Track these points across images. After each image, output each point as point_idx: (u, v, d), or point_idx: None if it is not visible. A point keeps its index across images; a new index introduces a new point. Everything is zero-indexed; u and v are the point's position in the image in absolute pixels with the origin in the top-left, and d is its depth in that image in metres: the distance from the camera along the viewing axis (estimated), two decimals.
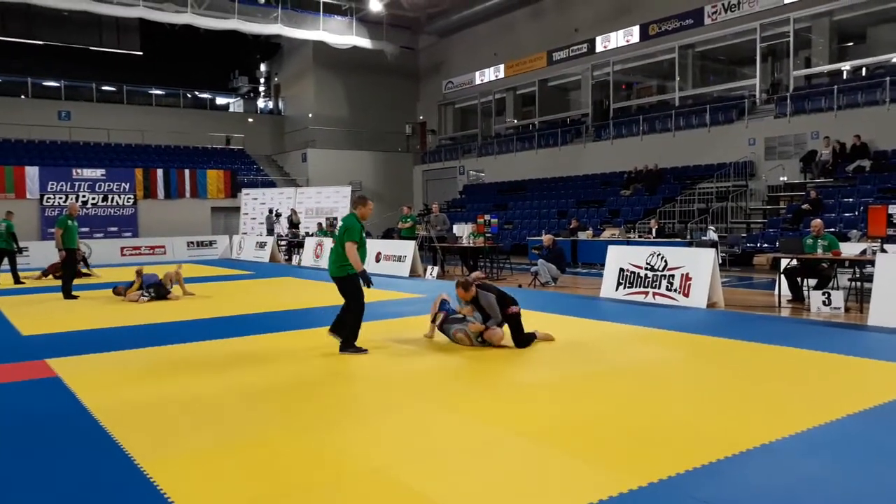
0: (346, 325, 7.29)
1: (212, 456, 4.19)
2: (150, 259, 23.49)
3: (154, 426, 4.81)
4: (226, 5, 27.91)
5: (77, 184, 26.53)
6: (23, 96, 31.49)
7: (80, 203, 24.56)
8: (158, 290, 12.18)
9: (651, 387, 5.75)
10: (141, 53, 33.45)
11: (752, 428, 4.52)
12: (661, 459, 3.99)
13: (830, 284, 10.05)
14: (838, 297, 9.63)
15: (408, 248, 16.70)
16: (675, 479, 3.71)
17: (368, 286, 7.18)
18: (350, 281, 7.16)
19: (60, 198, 25.90)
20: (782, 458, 4.03)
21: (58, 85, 32.23)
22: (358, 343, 7.29)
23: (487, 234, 15.88)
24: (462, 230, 19.92)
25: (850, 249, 10.86)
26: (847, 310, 9.59)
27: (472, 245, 16.03)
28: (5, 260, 15.53)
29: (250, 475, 3.87)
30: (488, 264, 16.06)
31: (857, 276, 10.19)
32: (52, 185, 26.11)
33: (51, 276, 16.04)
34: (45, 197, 25.85)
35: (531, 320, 8.13)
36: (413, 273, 16.31)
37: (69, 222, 12.54)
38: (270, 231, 24.55)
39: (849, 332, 8.27)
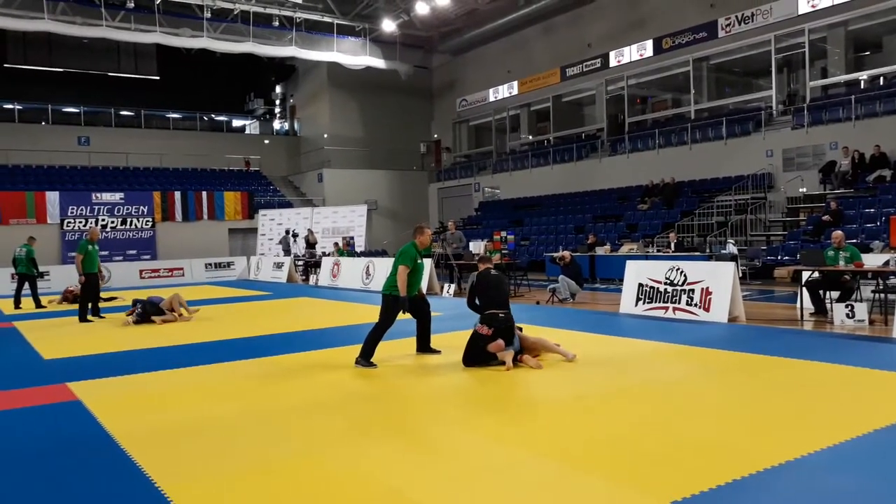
0: (365, 340, 7.62)
1: (233, 478, 4.17)
2: (169, 281, 23.68)
3: (175, 449, 4.80)
4: (241, 29, 28.28)
5: (97, 208, 26.86)
6: (43, 123, 32.09)
7: (99, 227, 24.85)
8: (146, 308, 12.06)
9: (674, 403, 5.68)
10: (158, 78, 34.02)
11: (777, 444, 4.44)
12: (686, 477, 3.92)
13: (853, 296, 9.91)
14: (862, 310, 9.48)
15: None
16: (699, 497, 3.64)
17: (404, 311, 7.70)
18: (390, 301, 7.69)
19: (80, 222, 26.22)
20: (809, 474, 3.95)
21: (77, 111, 32.81)
22: (374, 360, 7.57)
23: (504, 251, 15.84)
24: (478, 247, 19.88)
25: (872, 260, 10.70)
26: (871, 322, 9.44)
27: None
28: (26, 284, 15.72)
29: (271, 497, 3.85)
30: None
31: (881, 287, 10.04)
32: (73, 209, 26.46)
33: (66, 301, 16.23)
34: (66, 221, 26.18)
35: (552, 338, 8.06)
36: (430, 291, 16.27)
37: (89, 247, 12.70)
38: (287, 252, 24.65)
39: (874, 344, 8.13)
